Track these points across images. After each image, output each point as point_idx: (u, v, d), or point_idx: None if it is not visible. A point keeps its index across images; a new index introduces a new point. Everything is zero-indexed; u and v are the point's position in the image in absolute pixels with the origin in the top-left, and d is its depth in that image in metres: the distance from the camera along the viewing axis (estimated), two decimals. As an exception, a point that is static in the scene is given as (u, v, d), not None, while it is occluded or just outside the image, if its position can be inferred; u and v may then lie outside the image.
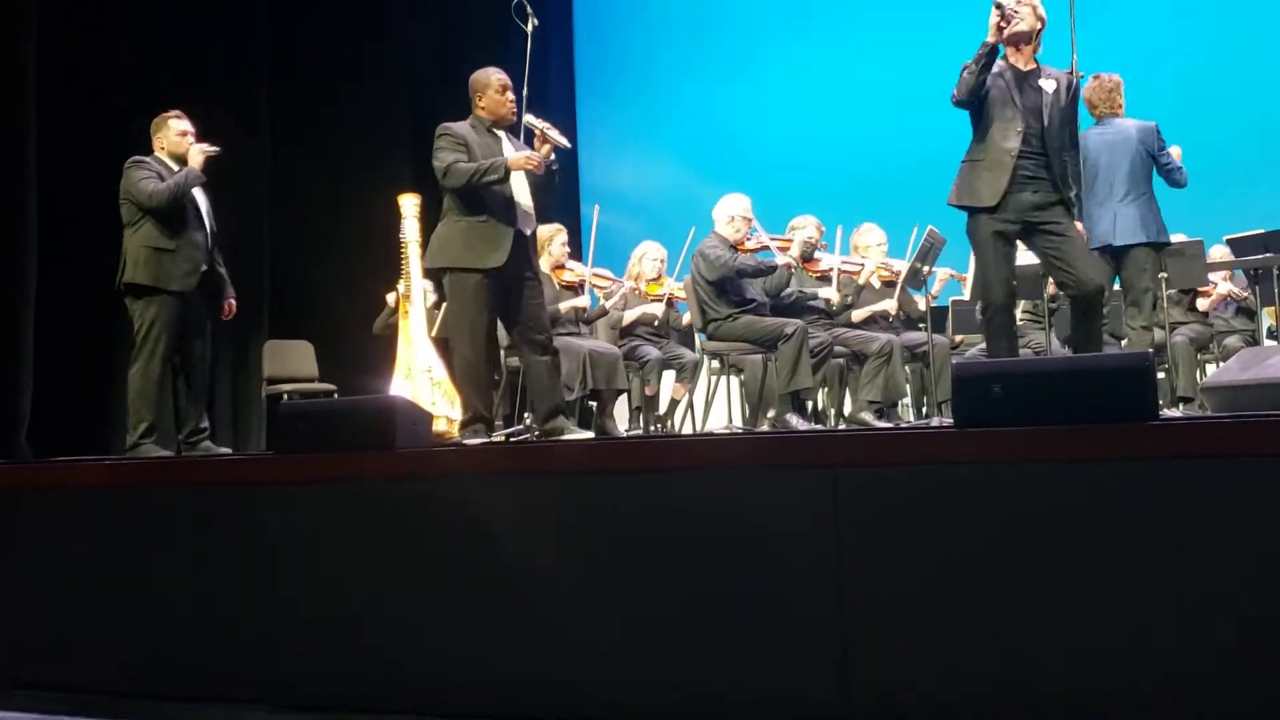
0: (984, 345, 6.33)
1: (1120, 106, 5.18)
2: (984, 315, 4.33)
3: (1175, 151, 5.27)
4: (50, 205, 6.34)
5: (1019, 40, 4.25)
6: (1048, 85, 4.25)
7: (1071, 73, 4.33)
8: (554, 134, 4.59)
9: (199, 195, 5.23)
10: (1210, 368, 6.17)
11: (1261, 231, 5.44)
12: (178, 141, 5.17)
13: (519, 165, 4.41)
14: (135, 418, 4.96)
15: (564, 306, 6.08)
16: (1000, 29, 4.13)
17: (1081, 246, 4.23)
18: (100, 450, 6.25)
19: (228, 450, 5.57)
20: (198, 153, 5.12)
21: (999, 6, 4.13)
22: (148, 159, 5.14)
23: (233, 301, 5.41)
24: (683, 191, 8.68)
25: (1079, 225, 4.32)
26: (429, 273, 5.53)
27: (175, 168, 5.12)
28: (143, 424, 4.94)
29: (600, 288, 6.45)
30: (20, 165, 6.26)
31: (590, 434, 5.31)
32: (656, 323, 6.51)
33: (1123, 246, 4.98)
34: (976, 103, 4.23)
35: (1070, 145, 4.30)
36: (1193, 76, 7.66)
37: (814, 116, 8.77)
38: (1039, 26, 4.29)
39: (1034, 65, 4.31)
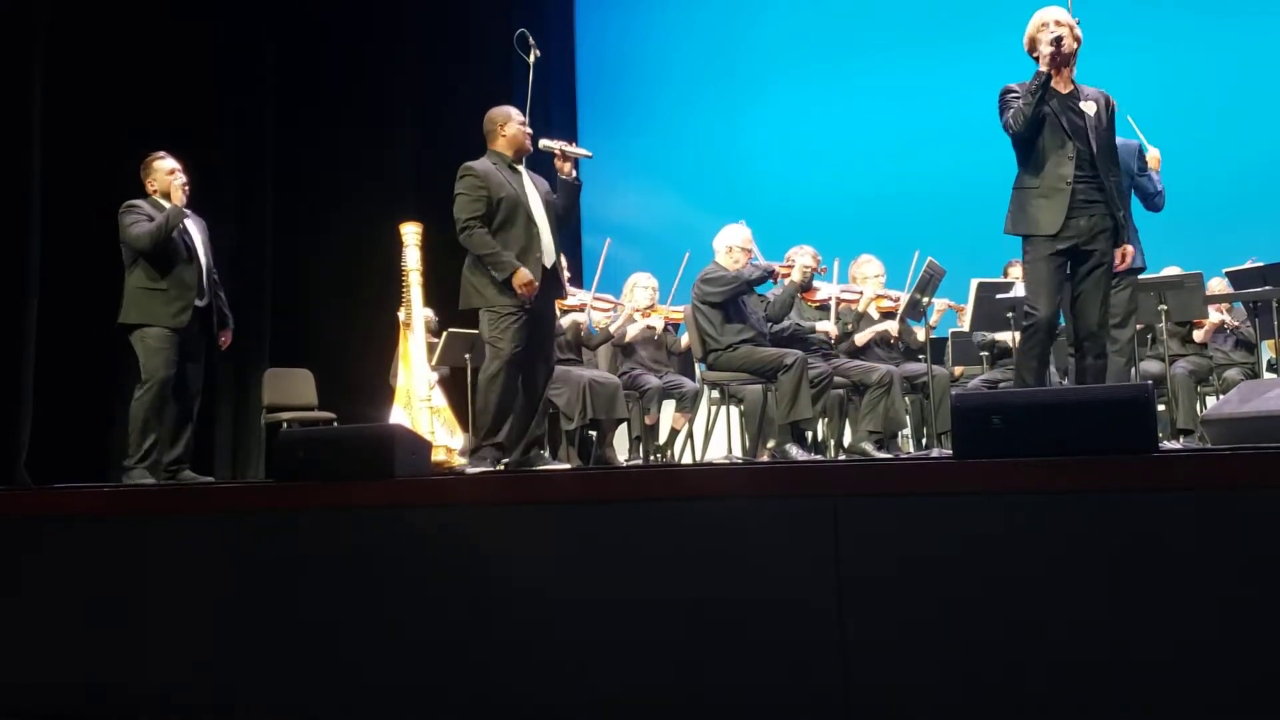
0: (983, 377, 6.37)
1: None
2: (1025, 330, 4.29)
3: (1154, 156, 5.21)
4: (53, 242, 6.41)
5: (1063, 64, 4.26)
6: (1089, 108, 4.26)
7: (1106, 93, 4.34)
8: (572, 149, 4.72)
9: (194, 231, 5.29)
10: (1210, 400, 6.17)
11: (1260, 264, 5.45)
12: (167, 180, 5.24)
13: (520, 285, 4.46)
14: (135, 444, 5.10)
15: (565, 323, 6.09)
16: (1054, 58, 4.16)
17: (1098, 286, 4.22)
18: (98, 479, 6.25)
19: (210, 479, 5.59)
20: (177, 188, 5.19)
21: (1056, 41, 4.14)
22: (140, 202, 5.21)
23: (229, 333, 5.49)
24: (683, 221, 8.72)
25: (1128, 248, 4.29)
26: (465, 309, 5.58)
27: (167, 206, 5.18)
28: (141, 449, 5.07)
29: (602, 310, 6.48)
30: (25, 204, 6.36)
31: (566, 465, 5.34)
32: (657, 336, 6.54)
33: None
34: (1033, 133, 4.25)
35: (1115, 164, 4.30)
36: (1194, 109, 7.70)
37: (814, 150, 8.82)
38: (1076, 47, 4.30)
39: (1072, 87, 4.31)
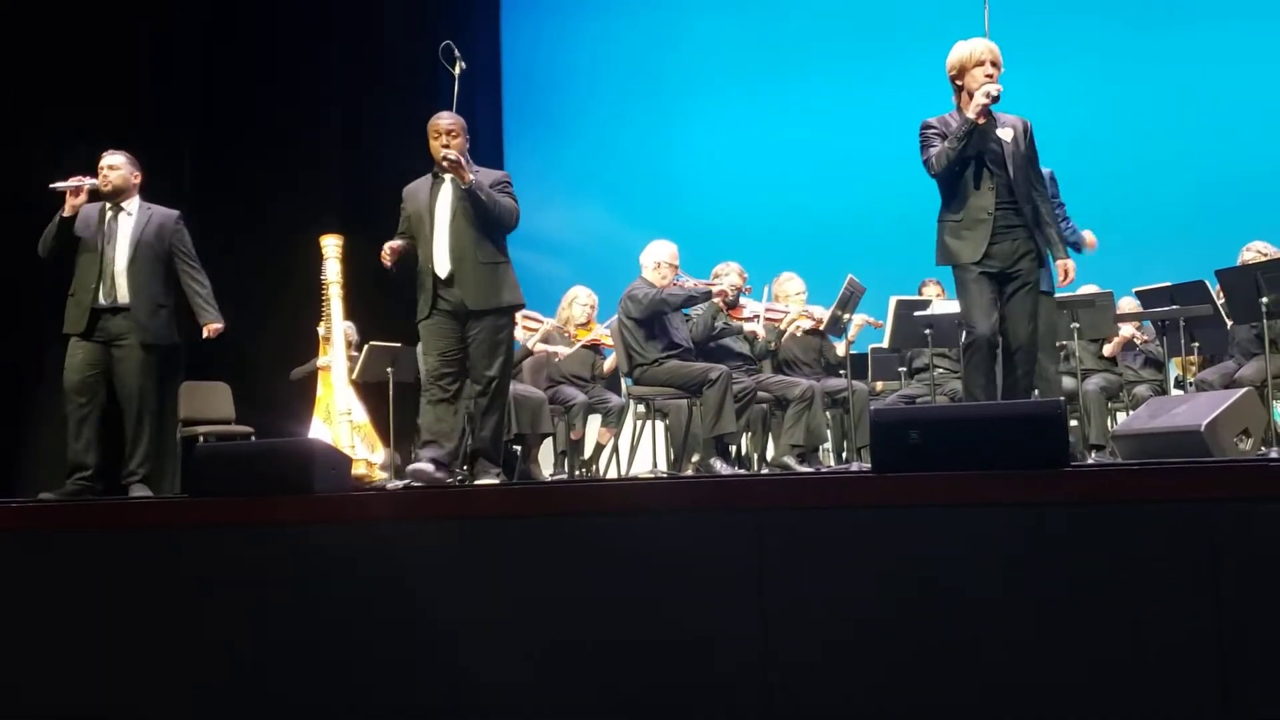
0: (901, 392, 6.47)
1: None
2: (966, 349, 4.33)
3: (1088, 237, 5.39)
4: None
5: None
6: (1005, 135, 4.28)
7: (1024, 119, 4.35)
8: (460, 167, 4.50)
9: (123, 226, 5.02)
10: (1121, 415, 6.32)
11: (1169, 285, 5.60)
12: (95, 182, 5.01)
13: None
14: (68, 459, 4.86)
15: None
16: (987, 109, 4.13)
17: (1024, 303, 4.25)
18: (5, 492, 6.09)
19: (149, 494, 5.38)
20: (69, 194, 4.92)
21: (990, 95, 4.10)
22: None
23: (214, 326, 5.21)
24: (611, 237, 8.73)
25: (1068, 263, 4.30)
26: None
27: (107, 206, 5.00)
28: (70, 464, 4.83)
29: (530, 329, 6.45)
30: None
31: (491, 480, 5.26)
32: (592, 372, 6.51)
33: None
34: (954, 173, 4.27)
35: (1036, 186, 4.33)
36: (1106, 132, 7.91)
37: (742, 167, 8.89)
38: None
39: (989, 116, 4.28)
